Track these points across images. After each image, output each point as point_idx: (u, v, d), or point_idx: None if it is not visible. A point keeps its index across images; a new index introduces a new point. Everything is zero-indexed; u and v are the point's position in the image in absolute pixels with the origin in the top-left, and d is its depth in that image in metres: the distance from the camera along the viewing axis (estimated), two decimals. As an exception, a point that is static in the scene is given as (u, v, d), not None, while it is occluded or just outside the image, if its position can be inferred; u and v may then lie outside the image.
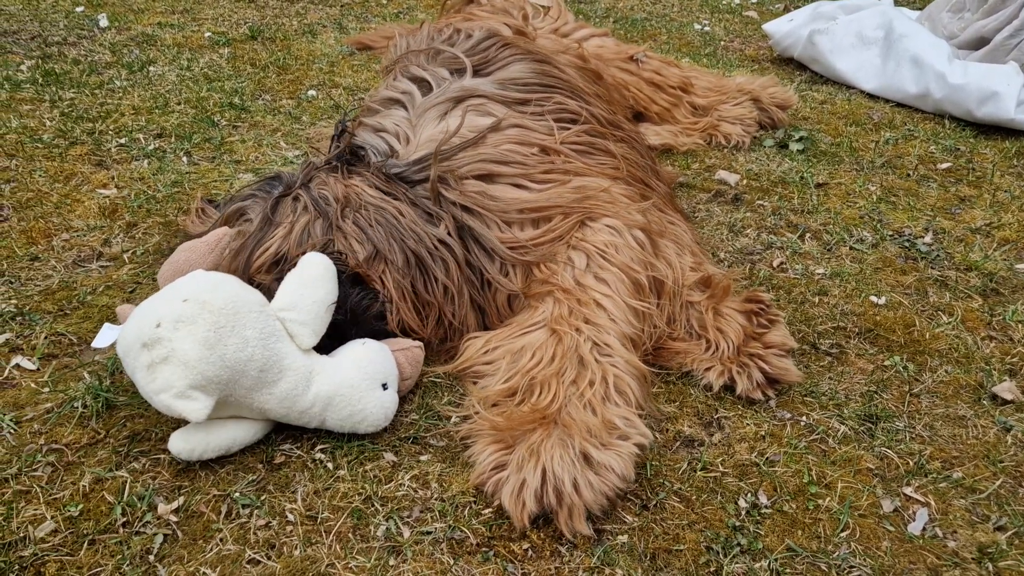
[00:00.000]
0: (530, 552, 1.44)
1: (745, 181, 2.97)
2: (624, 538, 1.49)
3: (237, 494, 1.51)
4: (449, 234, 1.95)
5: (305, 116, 3.26)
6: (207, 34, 4.10)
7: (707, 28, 5.09)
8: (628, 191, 2.10)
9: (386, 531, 1.47)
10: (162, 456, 1.59)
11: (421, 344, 1.79)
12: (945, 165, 3.22)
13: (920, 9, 4.72)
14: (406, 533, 1.47)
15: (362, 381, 1.62)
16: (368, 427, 1.64)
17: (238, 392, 1.53)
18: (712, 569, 1.45)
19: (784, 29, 4.39)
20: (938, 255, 2.55)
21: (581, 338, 1.71)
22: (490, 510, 1.51)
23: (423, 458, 1.65)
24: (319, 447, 1.64)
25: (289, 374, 1.57)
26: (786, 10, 5.54)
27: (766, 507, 1.58)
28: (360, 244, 1.85)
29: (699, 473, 1.65)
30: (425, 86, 2.36)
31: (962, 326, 2.19)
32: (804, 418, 1.83)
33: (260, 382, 1.54)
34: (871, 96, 3.99)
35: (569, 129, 2.25)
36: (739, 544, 1.49)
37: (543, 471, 1.45)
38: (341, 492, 1.54)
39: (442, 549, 1.44)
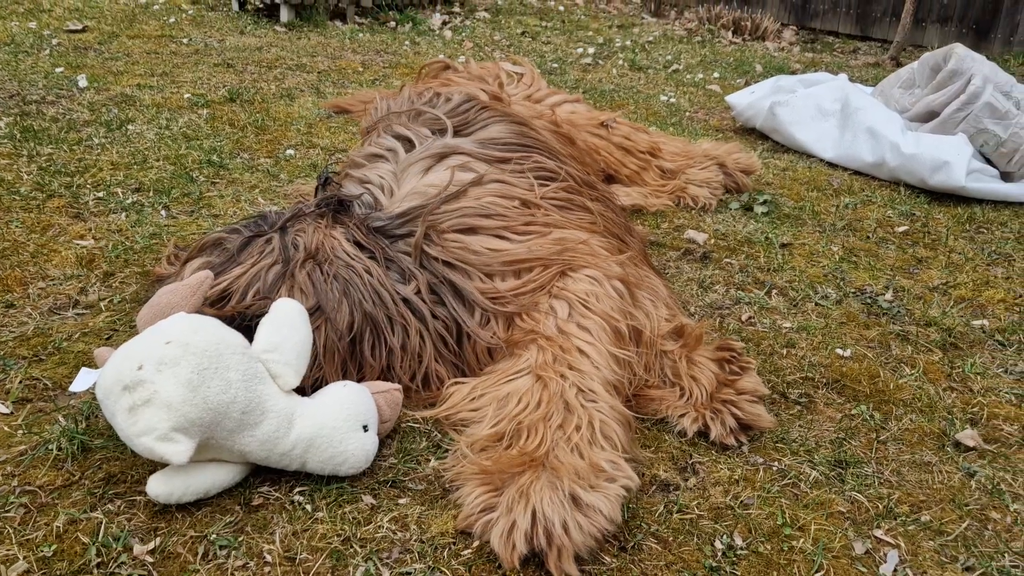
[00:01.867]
0: (511, 593, 1.45)
1: (713, 240, 3.06)
2: (603, 579, 1.50)
3: (214, 535, 1.50)
4: (418, 292, 1.98)
5: (283, 174, 3.31)
6: (186, 95, 4.18)
7: (672, 100, 5.29)
8: (606, 244, 2.17)
9: (365, 572, 1.46)
10: (138, 498, 1.57)
11: (400, 387, 1.81)
12: (902, 228, 3.36)
13: (873, 86, 4.96)
14: (385, 574, 1.46)
15: (343, 423, 1.64)
16: (349, 469, 1.64)
17: (220, 434, 1.53)
18: (690, 610, 1.46)
19: (746, 101, 4.59)
20: (899, 311, 2.64)
21: (566, 384, 1.74)
22: (470, 551, 1.52)
23: (402, 501, 1.65)
24: (298, 489, 1.64)
25: (271, 416, 1.58)
26: (747, 84, 5.78)
27: (742, 548, 1.61)
28: (305, 296, 1.86)
29: (675, 515, 1.67)
30: (408, 143, 2.43)
31: (924, 377, 2.27)
32: (776, 463, 1.86)
33: (242, 424, 1.54)
34: (830, 164, 4.16)
35: (548, 186, 2.33)
36: (716, 585, 1.51)
37: (533, 512, 1.46)
38: (320, 533, 1.53)
39: (422, 590, 1.44)
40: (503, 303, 1.98)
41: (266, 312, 1.68)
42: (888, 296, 2.74)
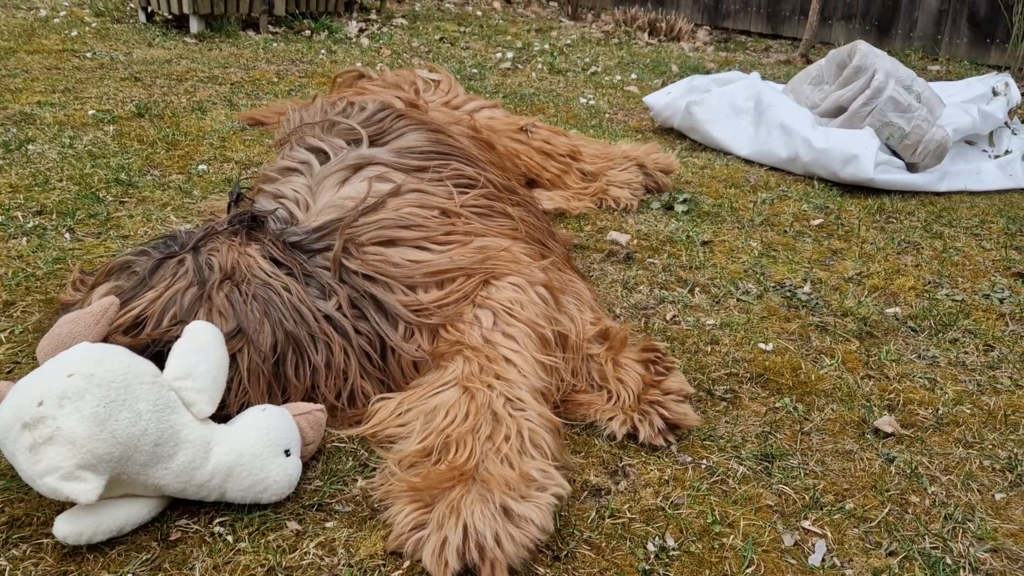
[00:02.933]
0: (444, 612, 1.42)
1: (636, 241, 3.09)
2: (537, 591, 1.48)
3: (131, 575, 1.43)
4: (340, 308, 1.94)
5: (196, 190, 3.21)
6: (91, 112, 4.01)
7: (592, 102, 5.33)
8: (528, 250, 2.16)
9: (293, 603, 1.41)
10: (45, 541, 1.49)
11: (323, 407, 1.76)
12: (817, 221, 3.45)
13: (784, 83, 5.09)
14: (314, 603, 1.42)
15: (263, 448, 1.58)
16: (271, 496, 1.59)
17: (131, 469, 1.46)
18: (626, 615, 1.46)
19: (663, 101, 4.65)
20: (817, 303, 2.70)
21: (493, 394, 1.72)
22: (400, 572, 1.48)
23: (328, 524, 1.60)
24: (218, 520, 1.58)
25: (186, 446, 1.51)
26: (664, 85, 5.87)
27: (674, 549, 1.61)
28: (224, 319, 1.80)
29: (607, 520, 1.66)
30: (322, 155, 2.38)
31: (843, 367, 2.32)
32: (705, 461, 1.88)
33: (155, 457, 1.48)
34: (746, 161, 4.25)
35: (467, 193, 2.30)
36: (650, 588, 1.51)
37: (464, 527, 1.43)
38: (243, 565, 1.48)
39: (352, 617, 1.40)
40: (427, 315, 1.95)
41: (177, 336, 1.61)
42: (806, 289, 2.81)
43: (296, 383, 1.81)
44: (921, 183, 3.95)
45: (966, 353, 2.46)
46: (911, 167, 4.05)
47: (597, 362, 2.03)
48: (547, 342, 1.93)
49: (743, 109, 4.35)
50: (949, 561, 1.63)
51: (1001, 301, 2.83)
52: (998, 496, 1.84)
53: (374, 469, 1.75)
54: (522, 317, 1.93)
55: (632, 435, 1.91)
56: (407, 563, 1.49)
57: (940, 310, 2.71)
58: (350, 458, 1.80)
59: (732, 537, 1.65)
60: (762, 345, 2.41)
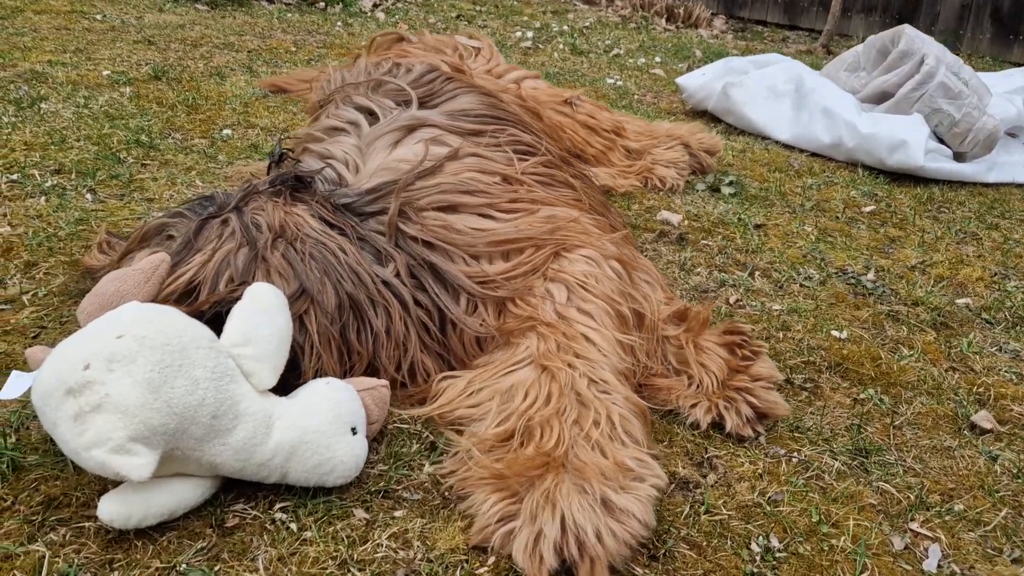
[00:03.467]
0: (539, 615, 1.26)
1: (686, 222, 2.93)
2: (638, 593, 1.33)
3: (184, 565, 1.27)
4: (398, 275, 1.78)
5: (221, 155, 3.02)
6: (105, 73, 3.81)
7: (619, 83, 5.16)
8: (597, 222, 1.99)
9: (368, 600, 1.25)
10: (87, 524, 1.32)
11: (387, 383, 1.60)
12: (869, 208, 3.30)
13: (817, 70, 4.93)
14: (392, 601, 1.26)
15: (329, 425, 1.41)
16: (337, 479, 1.42)
17: (186, 444, 1.29)
18: (734, 622, 1.31)
19: (697, 83, 4.49)
20: (884, 291, 2.55)
21: (576, 374, 1.56)
22: (486, 568, 1.32)
23: (398, 514, 1.44)
24: (278, 506, 1.41)
25: (246, 420, 1.34)
26: (689, 69, 5.70)
27: (780, 550, 1.46)
28: (285, 280, 1.64)
29: (704, 517, 1.51)
30: (371, 115, 2.20)
31: (924, 358, 2.17)
32: (796, 455, 1.73)
33: (213, 431, 1.31)
34: (786, 146, 4.09)
35: (527, 160, 2.14)
36: (760, 592, 1.36)
37: (562, 519, 1.28)
38: (311, 557, 1.31)
39: (437, 618, 1.24)
40: (493, 287, 1.78)
41: (238, 299, 1.44)
42: (871, 276, 2.65)
43: (359, 349, 1.64)
44: (970, 173, 3.81)
45: (1049, 348, 2.32)
46: (958, 157, 3.90)
47: (674, 344, 1.87)
48: (624, 320, 1.77)
49: (783, 92, 4.19)
50: (1077, 570, 1.48)
51: (1073, 295, 2.69)
52: (1112, 500, 1.69)
53: (442, 453, 1.59)
54: (598, 292, 1.76)
55: (717, 424, 1.75)
56: (493, 558, 1.33)
57: (1013, 303, 2.57)
58: (414, 440, 1.63)
59: (841, 539, 1.50)
60: (835, 333, 2.25)
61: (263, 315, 1.41)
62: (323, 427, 1.40)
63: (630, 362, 1.70)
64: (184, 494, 1.34)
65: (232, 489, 1.42)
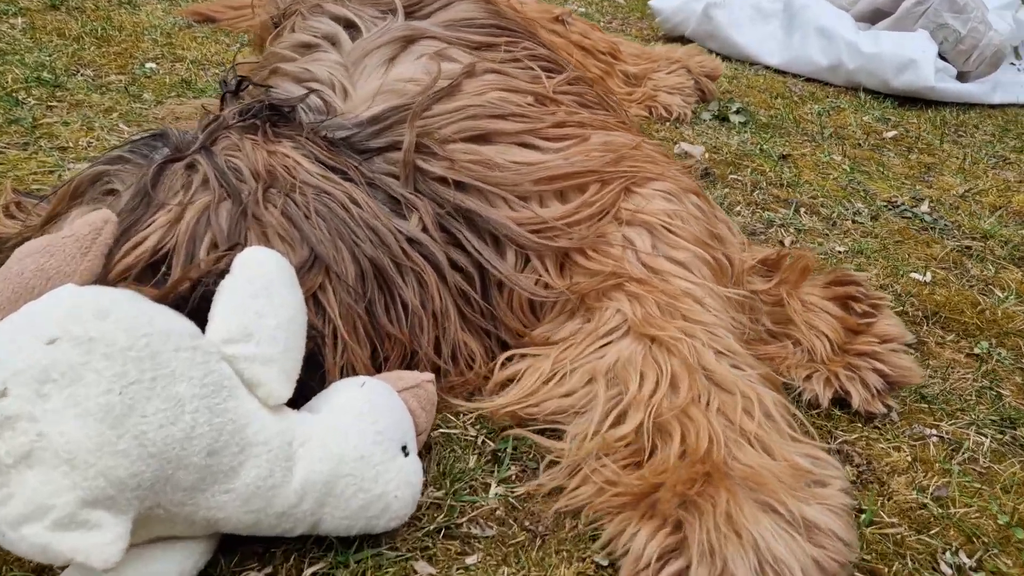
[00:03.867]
0: None
1: (707, 155, 2.54)
2: (827, 652, 0.95)
3: None
4: (425, 229, 1.34)
5: (147, 93, 2.48)
6: (-13, 1, 3.16)
7: (581, 9, 4.70)
8: (657, 148, 1.58)
9: None
10: (23, 629, 0.87)
11: (432, 377, 1.16)
12: (891, 134, 2.98)
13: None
14: None
15: (375, 448, 0.98)
16: (390, 521, 1.00)
17: (172, 498, 0.85)
18: None
19: (674, 4, 4.07)
20: (945, 224, 2.23)
21: (697, 344, 1.16)
22: (625, 639, 0.93)
23: (471, 561, 1.03)
24: (309, 570, 0.98)
25: (257, 453, 0.90)
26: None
27: (974, 568, 1.11)
28: (291, 245, 1.19)
29: (868, 531, 1.14)
30: (352, 27, 1.72)
31: (1022, 299, 1.86)
32: (935, 431, 1.38)
33: (209, 475, 0.87)
34: (778, 71, 3.73)
35: (554, 78, 1.70)
36: (974, 633, 1.01)
37: (756, 551, 0.89)
38: (371, 648, 0.90)
39: None
40: (552, 236, 1.36)
41: (225, 272, 0.98)
42: (924, 208, 2.33)
43: (393, 332, 1.20)
44: (977, 94, 3.53)
45: None
46: (960, 76, 3.62)
47: (768, 300, 1.48)
48: (723, 269, 1.38)
49: (770, 12, 3.82)
50: None
51: None
52: None
53: (512, 466, 1.18)
54: (687, 235, 1.36)
55: (841, 400, 1.39)
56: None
57: (1081, 231, 2.28)
58: (470, 451, 1.21)
59: (1036, 542, 1.16)
60: (917, 276, 1.91)
61: (265, 296, 0.95)
62: (367, 451, 0.97)
63: (743, 324, 1.31)
64: (172, 566, 0.89)
65: (236, 548, 0.98)
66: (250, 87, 1.60)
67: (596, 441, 1.09)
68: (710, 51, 3.93)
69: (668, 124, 2.80)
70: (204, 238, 1.10)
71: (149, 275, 1.10)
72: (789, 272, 1.51)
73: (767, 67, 3.77)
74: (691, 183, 1.50)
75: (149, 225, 1.12)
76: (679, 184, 1.46)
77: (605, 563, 1.04)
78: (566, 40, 2.65)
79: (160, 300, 0.92)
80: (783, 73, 3.71)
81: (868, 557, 1.10)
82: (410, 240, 1.30)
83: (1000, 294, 1.88)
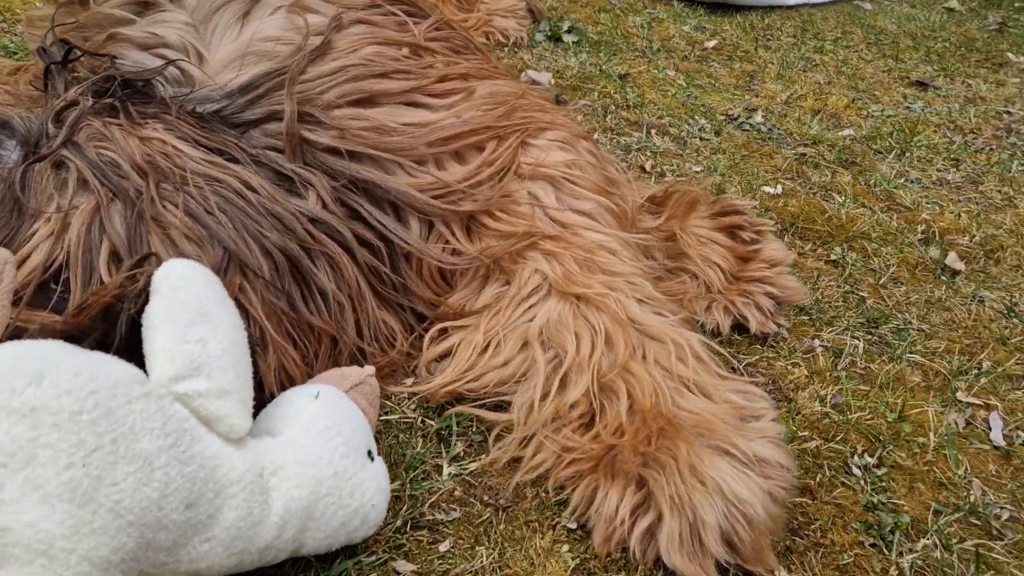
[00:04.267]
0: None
1: (555, 81, 2.55)
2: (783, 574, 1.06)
3: None
4: (325, 207, 1.26)
5: (-83, 55, 2.11)
6: None
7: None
8: (539, 94, 1.56)
9: None
10: None
11: (374, 370, 1.12)
12: (712, 43, 3.11)
13: None
14: None
15: (343, 460, 0.95)
16: (369, 528, 0.98)
17: (154, 560, 0.78)
18: (879, 563, 1.09)
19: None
20: (780, 133, 2.40)
21: (622, 297, 1.19)
22: (614, 598, 0.98)
23: (444, 547, 1.04)
24: (293, 593, 0.95)
25: (233, 494, 0.84)
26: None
27: (877, 466, 1.26)
28: (200, 245, 1.09)
29: (790, 447, 1.26)
30: (188, -23, 1.54)
31: (859, 202, 2.05)
32: (820, 342, 1.52)
33: (190, 528, 0.80)
34: (594, -18, 3.75)
35: (420, 24, 1.62)
36: (889, 525, 1.15)
37: (723, 495, 0.96)
38: (383, 663, 0.89)
39: None
40: (456, 200, 1.32)
41: (145, 295, 0.88)
42: (759, 118, 2.48)
43: (318, 324, 1.14)
44: (776, -2, 3.75)
45: (943, 171, 2.30)
46: (759, -19, 3.82)
47: (661, 237, 1.54)
48: (624, 215, 1.41)
49: (581, -79, 3.80)
50: (1113, 407, 1.44)
51: (924, 111, 2.72)
52: (1089, 322, 1.69)
53: (458, 442, 1.18)
54: (587, 184, 1.38)
55: (739, 326, 1.49)
56: (623, 572, 0.99)
57: (887, 129, 2.52)
58: (416, 435, 1.20)
59: (919, 435, 1.33)
60: (768, 189, 2.06)
61: (203, 321, 0.87)
62: (339, 466, 0.93)
63: (652, 267, 1.36)
64: (154, 631, 0.83)
65: (209, 587, 0.93)
66: (82, 57, 1.40)
67: (547, 410, 1.11)
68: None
69: (507, 50, 2.76)
70: (101, 248, 0.98)
71: (42, 297, 0.97)
72: (677, 207, 1.57)
73: (583, -22, 3.78)
74: (580, 128, 1.51)
75: (30, 238, 0.98)
76: (570, 131, 1.46)
77: (575, 526, 1.08)
78: (396, -33, 2.52)
79: (72, 331, 0.82)
80: (598, -17, 3.74)
81: (796, 474, 1.21)
82: (313, 220, 1.22)
83: (839, 198, 2.06)
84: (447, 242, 1.34)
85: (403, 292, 1.33)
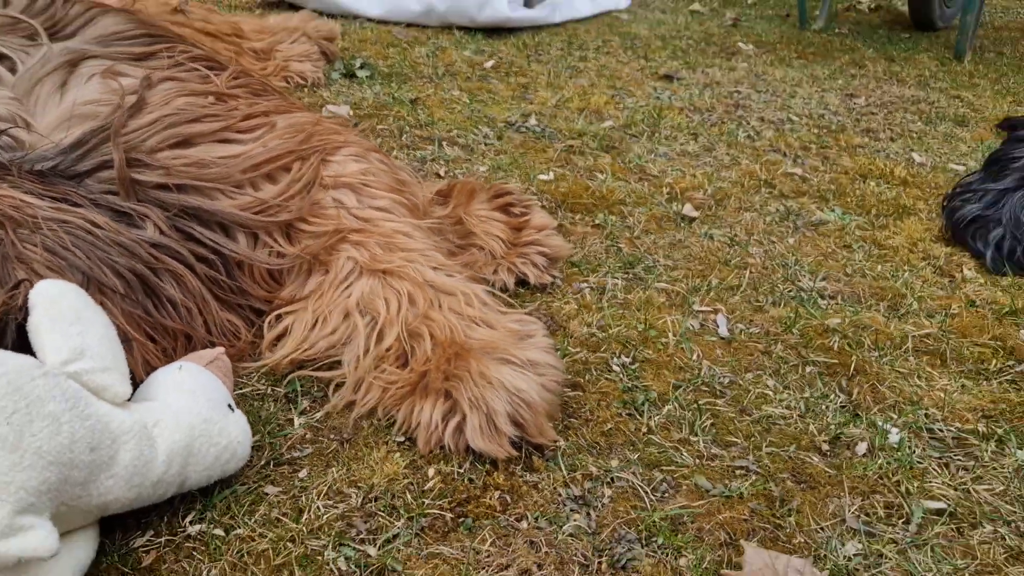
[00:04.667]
0: (509, 495, 1.29)
1: (352, 112, 2.87)
2: (562, 442, 1.42)
3: (131, 627, 1.04)
4: (163, 233, 1.53)
5: None
6: None
7: (171, -15, 4.63)
8: (333, 120, 1.88)
9: (347, 560, 1.16)
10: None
11: (224, 350, 1.40)
12: (490, 63, 3.54)
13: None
14: (372, 552, 1.18)
15: (211, 411, 1.22)
16: (239, 462, 1.25)
17: (71, 494, 1.03)
18: (633, 426, 1.47)
19: (268, -29, 4.24)
20: (551, 132, 2.82)
21: (418, 266, 1.52)
22: (436, 478, 1.30)
23: (303, 475, 1.32)
24: (187, 519, 1.20)
25: (127, 439, 1.10)
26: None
27: (632, 363, 1.65)
28: (61, 274, 1.34)
29: (564, 360, 1.63)
30: (4, 59, 1.75)
31: (618, 177, 2.49)
32: (587, 284, 1.91)
33: (96, 466, 1.05)
34: (381, 21, 4.12)
35: (220, 75, 1.90)
36: (641, 400, 1.54)
37: (507, 390, 1.30)
38: (262, 552, 1.16)
39: (423, 545, 1.20)
40: (273, 213, 1.62)
41: (25, 309, 1.13)
42: (533, 121, 2.90)
43: (170, 325, 1.40)
44: (543, 17, 4.25)
45: (684, 144, 2.80)
46: (527, 3, 4.31)
47: (450, 222, 1.89)
48: (416, 207, 1.75)
49: (360, -32, 4.16)
50: (804, 296, 1.92)
51: (671, 99, 3.25)
52: (791, 240, 2.19)
53: (304, 400, 1.47)
54: (381, 185, 1.71)
55: (521, 281, 1.86)
56: (432, 469, 1.31)
57: (640, 117, 3.02)
58: (267, 400, 1.48)
59: (663, 337, 1.74)
60: (543, 176, 2.46)
61: (78, 321, 1.12)
62: (207, 415, 1.20)
63: (443, 244, 1.70)
64: (80, 558, 1.07)
65: (113, 529, 1.17)
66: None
67: (369, 356, 1.42)
68: (315, 11, 4.21)
69: (307, 90, 3.06)
70: (-17, 287, 1.21)
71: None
72: (460, 196, 1.92)
73: (371, 19, 4.14)
74: (370, 143, 1.84)
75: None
76: (362, 146, 1.79)
77: (403, 439, 1.39)
78: (191, 29, 2.77)
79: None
80: (387, 23, 4.11)
81: (569, 376, 1.58)
82: (154, 245, 1.48)
83: (601, 176, 2.50)
84: (272, 248, 1.63)
85: (240, 294, 1.61)
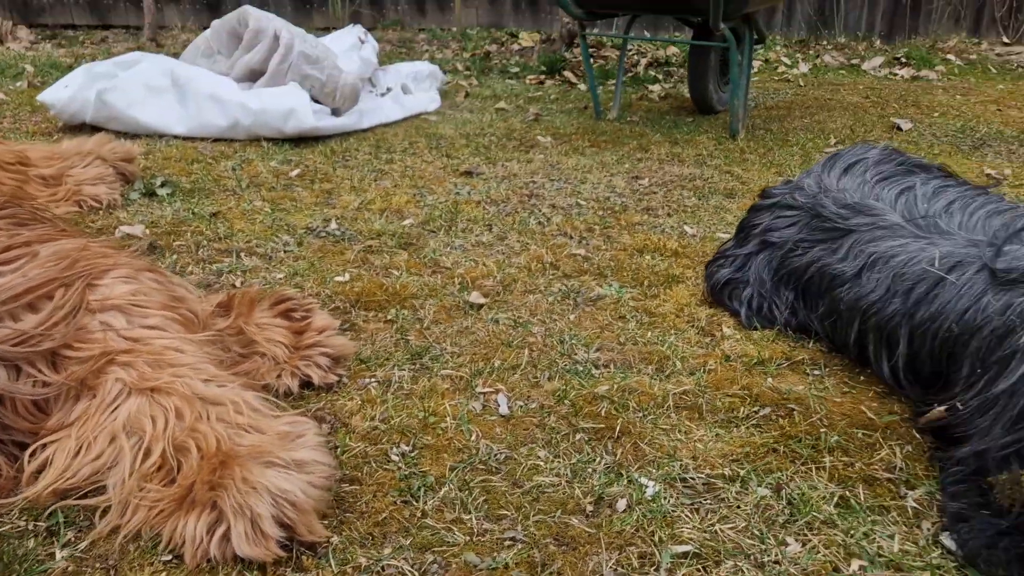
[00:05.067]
0: (276, 598, 1.31)
1: (148, 231, 2.86)
2: (335, 538, 1.46)
3: None
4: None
5: None
6: None
7: (-38, 114, 4.50)
8: (103, 243, 1.89)
9: None
10: None
11: (-25, 490, 1.37)
12: (295, 172, 3.63)
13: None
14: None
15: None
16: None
17: None
18: (408, 512, 1.54)
19: (65, 96, 4.19)
20: (352, 235, 2.92)
21: (188, 380, 1.54)
22: (202, 593, 1.31)
23: (64, 607, 1.30)
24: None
25: None
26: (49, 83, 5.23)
27: (411, 451, 1.72)
28: None
29: (343, 457, 1.68)
30: None
31: (410, 272, 2.61)
32: (374, 379, 1.99)
33: None
34: (187, 138, 4.14)
35: (-19, 209, 1.89)
36: (419, 487, 1.60)
37: (270, 493, 1.33)
38: None
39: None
40: (37, 342, 1.60)
41: None
42: (334, 225, 2.99)
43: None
44: (351, 124, 4.40)
45: (479, 235, 2.97)
46: (335, 112, 4.46)
47: (232, 333, 1.93)
48: (190, 322, 1.77)
49: (162, 87, 4.20)
50: (580, 367, 2.07)
51: (469, 193, 3.44)
52: (572, 316, 2.36)
53: (68, 531, 1.44)
54: (152, 304, 1.73)
55: (307, 383, 1.91)
56: (221, 569, 1.32)
57: (438, 212, 3.18)
58: (26, 538, 1.44)
59: (445, 420, 1.83)
60: (339, 278, 2.54)
61: None
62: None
63: (219, 355, 1.74)
64: None
65: None
66: None
67: (134, 477, 1.42)
68: (117, 133, 4.18)
69: (102, 212, 3.03)
70: None
71: None
72: (240, 307, 1.97)
73: (176, 136, 4.16)
74: (142, 263, 1.86)
75: None
76: (132, 267, 1.81)
77: (170, 558, 1.39)
78: (-32, 160, 2.71)
79: None
80: (192, 139, 4.14)
81: (346, 471, 1.63)
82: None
83: (396, 273, 2.61)
84: (36, 377, 1.61)
85: (2, 429, 1.57)
